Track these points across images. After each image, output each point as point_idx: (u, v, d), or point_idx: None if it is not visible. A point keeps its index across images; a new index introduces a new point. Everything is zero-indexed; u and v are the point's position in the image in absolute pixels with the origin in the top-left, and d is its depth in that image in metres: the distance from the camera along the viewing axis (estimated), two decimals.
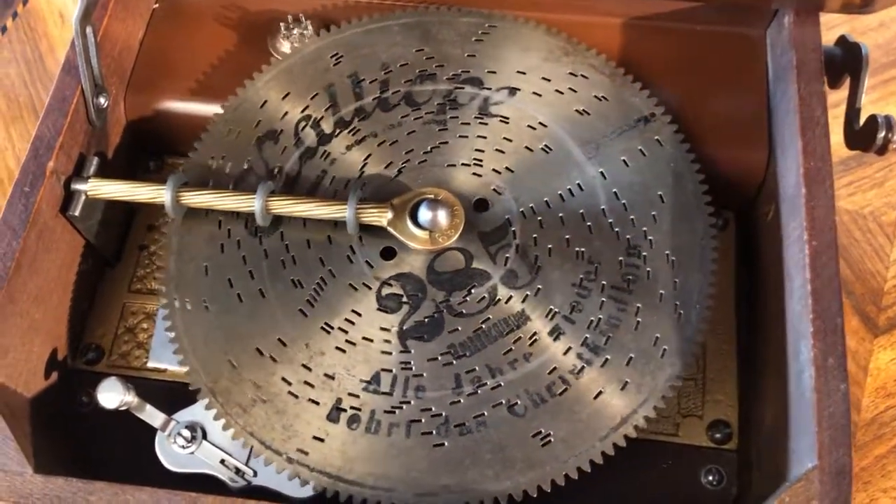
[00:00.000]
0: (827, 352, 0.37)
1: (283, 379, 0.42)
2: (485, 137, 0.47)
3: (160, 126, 0.51)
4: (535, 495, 0.39)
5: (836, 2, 0.47)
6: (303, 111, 0.48)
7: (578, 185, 0.45)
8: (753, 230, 0.49)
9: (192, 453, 0.42)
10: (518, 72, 0.48)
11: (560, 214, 0.45)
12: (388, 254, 0.45)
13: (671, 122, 0.47)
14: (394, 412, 0.41)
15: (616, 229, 0.44)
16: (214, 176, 0.46)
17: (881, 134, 0.46)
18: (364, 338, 0.43)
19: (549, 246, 0.44)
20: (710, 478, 0.44)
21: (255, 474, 0.42)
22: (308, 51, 0.50)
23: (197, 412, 0.43)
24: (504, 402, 0.41)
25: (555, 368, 0.41)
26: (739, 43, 0.51)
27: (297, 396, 0.42)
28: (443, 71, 0.49)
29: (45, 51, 0.71)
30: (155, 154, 0.53)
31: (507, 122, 0.47)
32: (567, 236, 0.44)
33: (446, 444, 0.40)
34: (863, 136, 0.48)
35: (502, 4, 0.51)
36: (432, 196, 0.44)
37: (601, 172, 0.46)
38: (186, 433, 0.42)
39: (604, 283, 0.43)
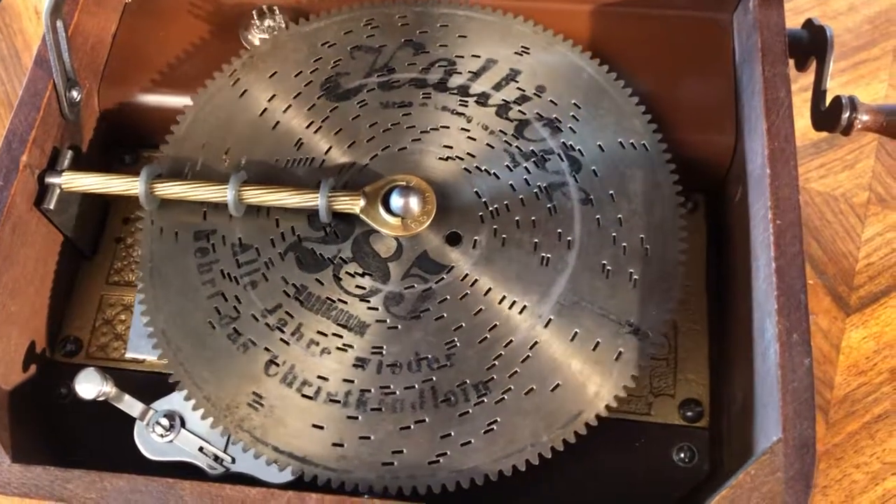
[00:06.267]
0: (791, 328, 0.38)
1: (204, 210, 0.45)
2: (523, 205, 0.45)
3: (134, 119, 0.51)
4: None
5: None
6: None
7: (524, 307, 0.43)
8: (723, 212, 0.49)
9: (171, 441, 0.43)
10: (610, 191, 0.45)
11: (482, 307, 0.43)
12: None
13: (649, 342, 0.42)
14: (226, 301, 0.43)
15: (495, 362, 0.42)
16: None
17: (846, 114, 0.47)
18: (276, 219, 0.45)
19: (444, 314, 0.43)
20: (683, 455, 0.44)
21: (234, 461, 0.43)
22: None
23: (175, 401, 0.43)
24: (288, 372, 0.42)
25: (326, 380, 0.41)
26: (707, 27, 0.52)
27: (206, 246, 0.45)
28: (568, 137, 0.47)
29: (21, 47, 0.71)
30: (130, 147, 0.53)
31: (552, 214, 0.45)
32: (462, 323, 0.42)
33: (236, 350, 0.42)
34: (828, 117, 0.48)
35: None
36: (404, 183, 0.45)
37: (549, 320, 0.42)
38: (165, 422, 0.43)
39: (433, 378, 0.41)
